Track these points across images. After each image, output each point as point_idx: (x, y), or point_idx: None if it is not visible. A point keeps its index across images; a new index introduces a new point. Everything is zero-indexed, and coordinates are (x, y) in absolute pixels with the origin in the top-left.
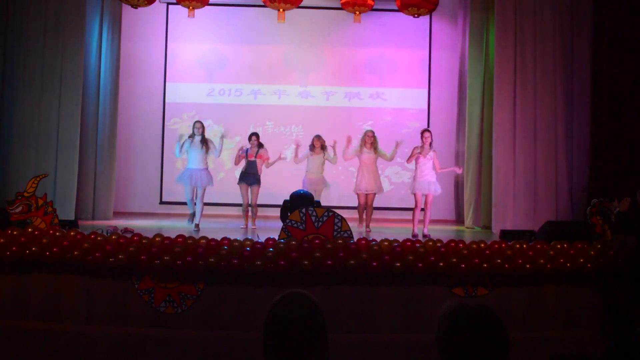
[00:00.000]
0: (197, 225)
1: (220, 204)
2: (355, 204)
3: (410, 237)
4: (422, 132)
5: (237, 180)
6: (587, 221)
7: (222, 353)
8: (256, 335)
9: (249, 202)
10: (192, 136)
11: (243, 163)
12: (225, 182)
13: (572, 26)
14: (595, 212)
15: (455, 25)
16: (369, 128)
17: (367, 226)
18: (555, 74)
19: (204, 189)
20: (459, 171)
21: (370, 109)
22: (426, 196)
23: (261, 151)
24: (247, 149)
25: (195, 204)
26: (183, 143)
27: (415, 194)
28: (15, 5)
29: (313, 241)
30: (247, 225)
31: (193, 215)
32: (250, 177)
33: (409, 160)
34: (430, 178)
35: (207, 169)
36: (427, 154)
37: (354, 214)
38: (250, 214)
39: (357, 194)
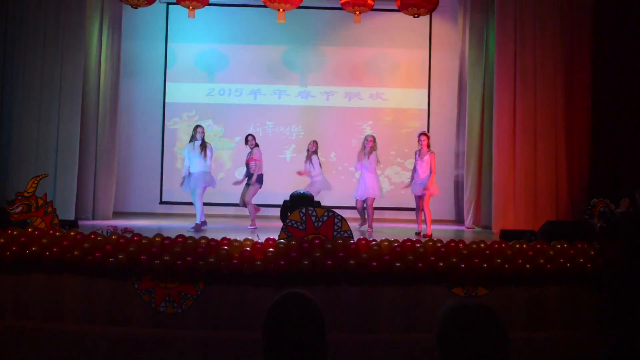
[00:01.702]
0: (204, 222)
1: (220, 204)
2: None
3: (411, 236)
4: (419, 136)
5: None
6: (587, 221)
7: (222, 353)
8: (256, 335)
9: (243, 200)
10: (192, 140)
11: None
12: (226, 182)
13: (572, 26)
14: (594, 214)
15: (455, 25)
16: (369, 133)
17: (370, 226)
18: (555, 74)
19: (203, 189)
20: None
21: (370, 109)
22: (423, 196)
23: (254, 151)
24: (248, 154)
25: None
26: (184, 151)
27: (414, 196)
28: (16, 6)
29: (313, 241)
30: (254, 225)
31: (205, 223)
32: (247, 178)
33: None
34: (426, 180)
35: (203, 170)
36: (424, 156)
37: (354, 214)
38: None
39: (355, 200)
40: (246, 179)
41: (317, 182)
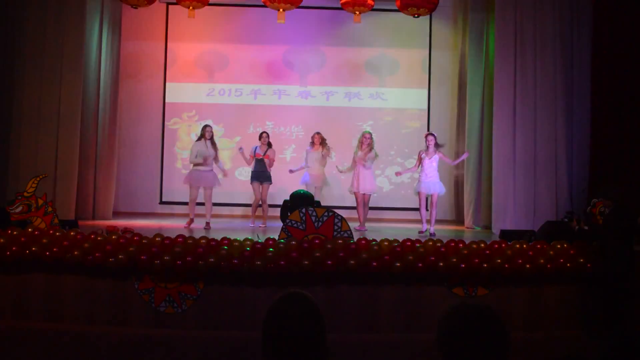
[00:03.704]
0: (207, 224)
1: (220, 204)
2: (355, 204)
3: (411, 236)
4: (426, 136)
5: (250, 179)
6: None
7: (222, 353)
8: (256, 335)
9: (260, 200)
10: (200, 139)
11: (253, 162)
12: (226, 182)
13: (572, 26)
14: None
15: (455, 25)
16: (367, 129)
17: (362, 224)
18: (555, 74)
19: (211, 189)
20: (466, 155)
21: (370, 109)
22: (431, 196)
23: (269, 151)
24: (256, 147)
25: (202, 204)
26: (193, 148)
27: (419, 193)
28: (16, 6)
29: (313, 241)
30: (254, 223)
31: (192, 221)
32: (260, 175)
33: (414, 167)
34: (434, 179)
35: (212, 170)
36: (432, 156)
37: (354, 214)
38: (260, 212)
39: (355, 193)
40: (258, 171)
41: (313, 176)
